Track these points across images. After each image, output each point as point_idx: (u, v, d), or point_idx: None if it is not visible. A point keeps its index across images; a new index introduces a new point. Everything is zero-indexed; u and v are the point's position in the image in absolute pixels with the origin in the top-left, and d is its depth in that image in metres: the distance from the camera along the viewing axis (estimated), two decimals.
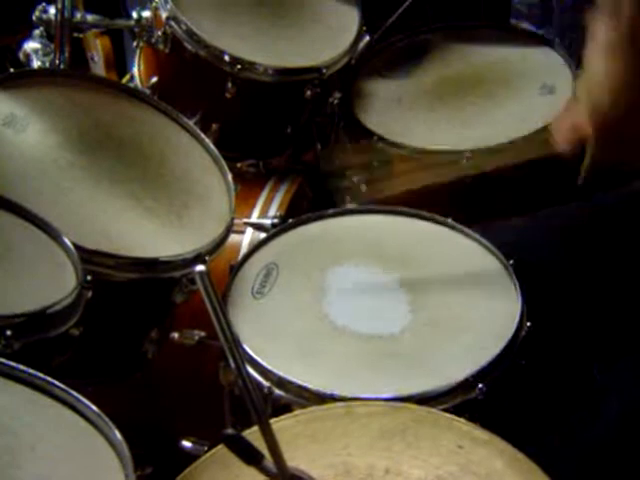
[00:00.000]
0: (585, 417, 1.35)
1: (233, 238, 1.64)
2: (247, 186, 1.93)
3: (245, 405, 0.90)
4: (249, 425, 0.97)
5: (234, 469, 0.94)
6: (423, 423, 1.09)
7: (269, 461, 0.91)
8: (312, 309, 1.44)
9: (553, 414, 1.39)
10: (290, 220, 1.65)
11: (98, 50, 2.26)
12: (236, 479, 1.00)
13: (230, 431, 0.89)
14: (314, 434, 1.09)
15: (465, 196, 1.86)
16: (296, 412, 1.18)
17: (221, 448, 0.95)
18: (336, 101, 1.99)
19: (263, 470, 0.91)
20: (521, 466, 1.00)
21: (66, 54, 1.80)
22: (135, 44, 1.97)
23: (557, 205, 1.73)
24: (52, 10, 1.79)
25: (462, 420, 1.09)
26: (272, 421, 1.08)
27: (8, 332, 1.12)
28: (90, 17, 1.88)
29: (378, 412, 1.12)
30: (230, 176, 1.64)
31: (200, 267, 0.84)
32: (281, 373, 1.33)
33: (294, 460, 0.96)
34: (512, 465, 1.00)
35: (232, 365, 0.87)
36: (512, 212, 1.72)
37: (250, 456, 0.90)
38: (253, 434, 0.92)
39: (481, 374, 1.31)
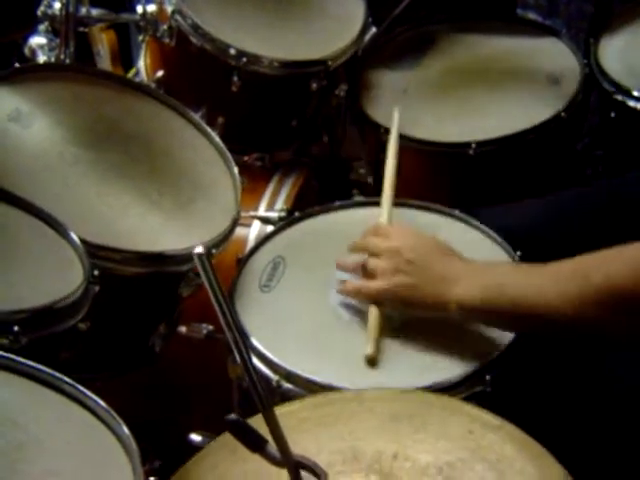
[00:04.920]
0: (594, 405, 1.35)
1: (240, 231, 1.64)
2: (254, 179, 1.93)
3: (251, 394, 0.90)
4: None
5: (241, 454, 0.94)
6: (432, 408, 1.08)
7: (273, 447, 0.91)
8: (319, 302, 1.44)
9: (563, 405, 1.38)
10: (297, 213, 1.64)
11: (104, 44, 2.26)
12: (243, 464, 1.00)
13: (234, 416, 0.89)
14: (322, 419, 1.08)
15: (472, 184, 1.86)
16: (304, 398, 1.18)
17: (228, 434, 0.95)
18: (342, 93, 1.99)
19: (267, 456, 0.91)
20: (532, 451, 1.00)
21: (71, 49, 1.79)
22: (141, 38, 1.97)
23: (564, 189, 1.73)
24: (57, 5, 1.79)
25: (472, 405, 1.08)
26: (279, 406, 1.08)
27: (15, 327, 1.12)
28: (95, 11, 1.88)
29: (386, 397, 1.12)
30: (236, 169, 1.63)
31: (199, 249, 0.84)
32: (289, 366, 1.33)
33: (301, 445, 0.96)
34: (523, 450, 1.00)
35: (233, 347, 0.87)
36: (519, 195, 1.72)
37: (254, 442, 0.90)
38: (258, 421, 0.92)
39: (489, 366, 1.30)
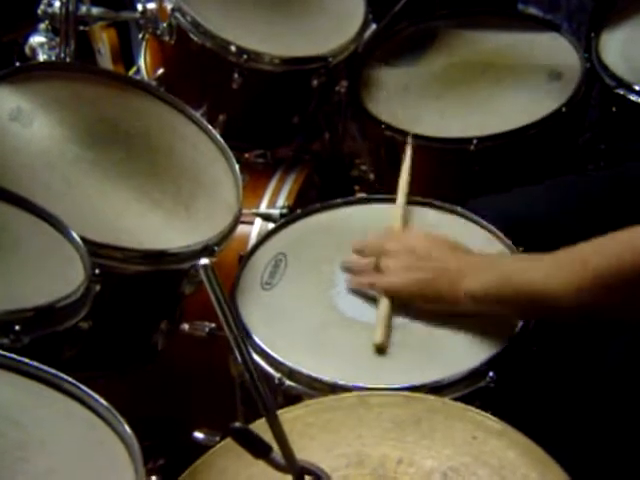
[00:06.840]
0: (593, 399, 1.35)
1: (241, 229, 1.64)
2: (255, 176, 1.94)
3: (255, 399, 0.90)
4: (261, 416, 0.97)
5: (247, 458, 0.94)
6: (437, 413, 1.08)
7: (277, 453, 0.91)
8: (321, 300, 1.43)
9: (565, 401, 1.38)
10: (299, 210, 1.64)
11: (104, 43, 2.27)
12: (249, 468, 1.00)
13: (238, 424, 0.89)
14: (327, 424, 1.09)
15: (473, 180, 1.86)
16: (309, 402, 1.18)
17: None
18: (343, 90, 1.99)
19: (272, 462, 0.91)
20: (535, 457, 1.00)
21: (72, 47, 1.79)
22: (141, 36, 1.98)
23: (560, 176, 1.74)
24: (57, 3, 1.79)
25: (476, 410, 1.08)
26: (284, 411, 1.09)
27: (17, 327, 1.12)
28: (95, 10, 1.87)
29: (391, 402, 1.12)
30: (238, 167, 1.63)
31: (204, 261, 0.84)
32: (291, 364, 1.33)
33: (306, 450, 0.96)
34: (526, 456, 1.00)
35: (239, 359, 0.87)
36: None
37: (258, 449, 0.90)
38: (263, 426, 0.92)
39: (492, 362, 1.30)
